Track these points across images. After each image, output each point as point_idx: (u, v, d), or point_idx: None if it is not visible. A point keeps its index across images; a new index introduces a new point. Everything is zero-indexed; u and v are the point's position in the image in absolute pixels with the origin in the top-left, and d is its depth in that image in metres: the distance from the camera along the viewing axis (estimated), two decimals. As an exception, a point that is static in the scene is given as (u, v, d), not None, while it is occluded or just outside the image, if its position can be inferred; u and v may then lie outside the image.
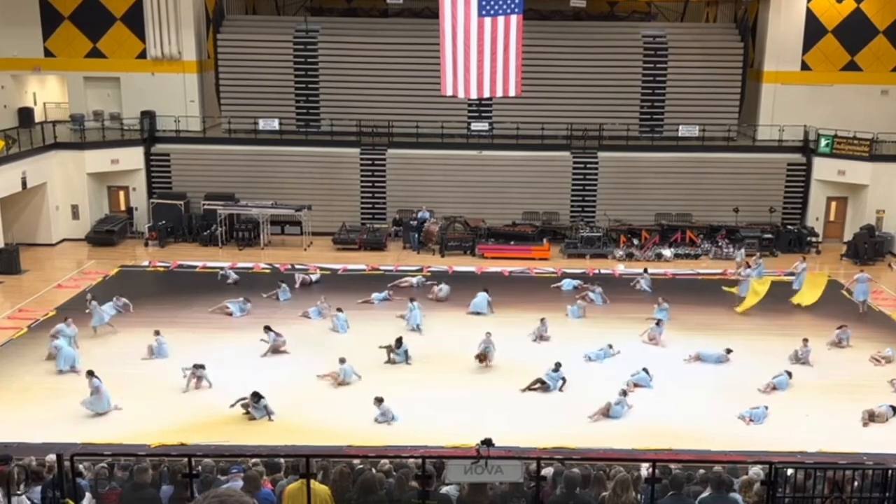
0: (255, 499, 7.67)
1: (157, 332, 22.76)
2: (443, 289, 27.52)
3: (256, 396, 19.12)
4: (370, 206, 35.40)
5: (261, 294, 26.85)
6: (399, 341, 22.51)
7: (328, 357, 22.62)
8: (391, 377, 21.39)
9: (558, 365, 20.96)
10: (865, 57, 36.78)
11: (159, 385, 20.59)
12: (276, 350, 22.77)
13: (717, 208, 34.47)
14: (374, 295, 27.08)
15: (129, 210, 35.14)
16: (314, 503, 9.74)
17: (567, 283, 28.22)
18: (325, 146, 35.30)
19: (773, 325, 25.38)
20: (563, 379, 20.82)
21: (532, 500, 10.17)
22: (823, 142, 34.46)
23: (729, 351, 22.76)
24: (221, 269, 29.43)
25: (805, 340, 22.74)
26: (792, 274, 28.30)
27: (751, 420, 19.17)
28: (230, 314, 25.54)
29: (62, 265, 30.92)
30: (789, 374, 21.16)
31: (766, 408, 19.44)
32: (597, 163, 35.10)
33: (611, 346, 22.92)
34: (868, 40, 36.64)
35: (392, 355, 22.34)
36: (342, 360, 21.27)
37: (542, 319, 24.23)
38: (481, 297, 26.37)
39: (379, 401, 19.07)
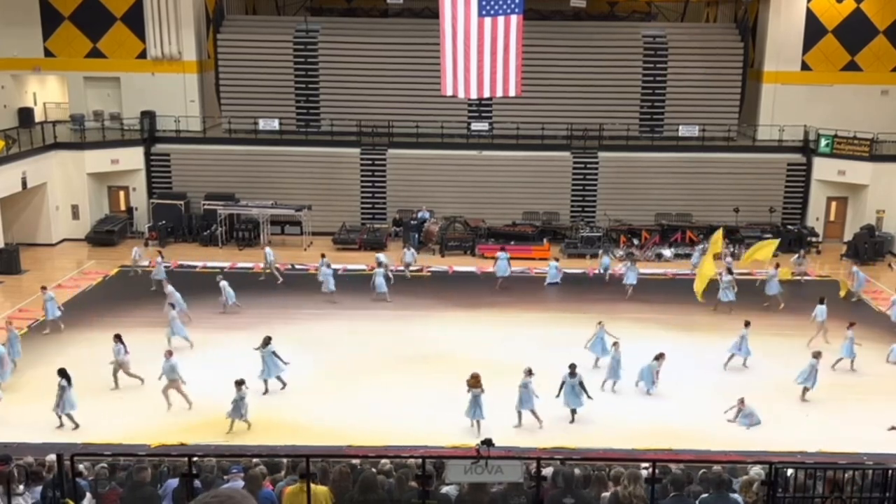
0: (255, 498, 7.65)
1: (43, 288, 23.96)
2: (405, 254, 29.32)
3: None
4: (370, 206, 35.39)
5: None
6: (267, 341, 20.62)
7: (328, 357, 22.67)
8: (391, 378, 21.38)
9: (573, 367, 19.22)
10: (865, 57, 36.78)
11: (159, 385, 20.56)
12: (121, 367, 20.59)
13: (717, 208, 34.46)
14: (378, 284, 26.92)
15: (129, 210, 35.16)
16: (314, 504, 9.73)
17: (553, 273, 28.50)
18: (325, 146, 35.30)
19: (773, 325, 25.37)
20: (581, 384, 19.18)
21: (532, 500, 10.17)
22: (823, 142, 34.46)
23: (747, 324, 22.53)
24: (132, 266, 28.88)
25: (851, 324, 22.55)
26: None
27: (749, 425, 19.15)
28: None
29: (62, 265, 30.92)
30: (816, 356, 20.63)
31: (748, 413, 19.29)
32: (597, 163, 35.10)
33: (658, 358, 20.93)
34: (868, 40, 36.63)
35: (261, 352, 20.59)
36: (168, 354, 19.90)
37: (600, 323, 22.35)
38: (503, 261, 27.74)
39: (239, 384, 18.48)
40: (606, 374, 20.90)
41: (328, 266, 27.18)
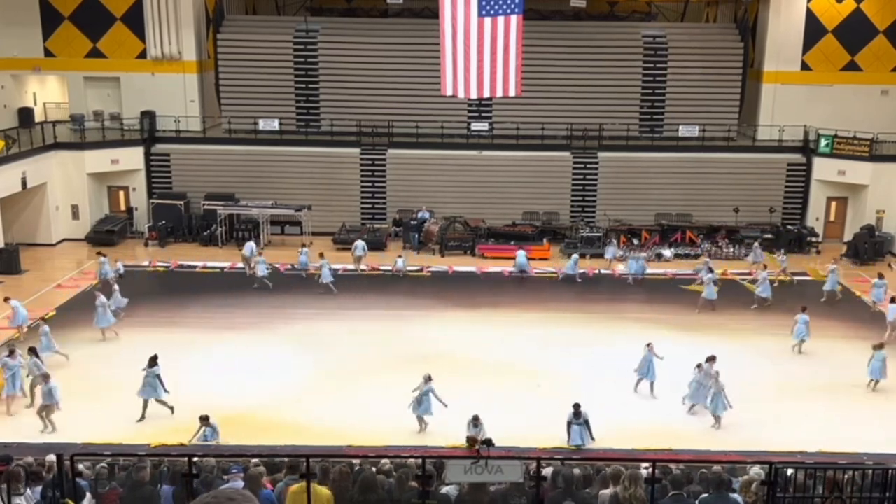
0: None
1: (6, 299, 23.83)
2: (397, 262, 29.85)
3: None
4: (370, 206, 35.39)
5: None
6: (152, 361, 19.11)
7: (328, 357, 22.67)
8: (391, 378, 21.35)
9: (577, 407, 17.89)
10: (865, 57, 36.77)
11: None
12: (41, 380, 19.14)
13: (717, 208, 34.46)
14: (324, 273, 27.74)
15: (129, 210, 35.15)
16: (314, 504, 9.73)
17: (571, 265, 29.31)
18: (325, 146, 35.29)
19: (772, 325, 25.38)
20: (587, 422, 17.92)
21: (532, 500, 10.17)
22: (823, 142, 34.45)
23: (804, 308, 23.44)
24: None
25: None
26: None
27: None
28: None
29: (62, 265, 30.92)
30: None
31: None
32: (597, 163, 35.09)
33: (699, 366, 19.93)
34: (868, 40, 36.63)
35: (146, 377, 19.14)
36: (45, 378, 18.79)
37: (649, 345, 20.59)
38: (521, 257, 29.37)
39: (204, 419, 17.46)
40: (690, 398, 19.69)
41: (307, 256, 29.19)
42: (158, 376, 19.02)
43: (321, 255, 28.31)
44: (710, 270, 26.83)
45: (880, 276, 26.73)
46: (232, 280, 29.30)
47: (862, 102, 36.18)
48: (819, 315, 25.95)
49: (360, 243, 30.08)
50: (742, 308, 26.58)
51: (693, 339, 24.03)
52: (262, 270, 27.95)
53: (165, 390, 19.06)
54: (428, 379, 18.53)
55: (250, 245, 30.00)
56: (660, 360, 20.38)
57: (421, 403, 18.41)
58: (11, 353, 19.82)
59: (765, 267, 27.71)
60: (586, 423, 17.86)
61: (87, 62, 36.68)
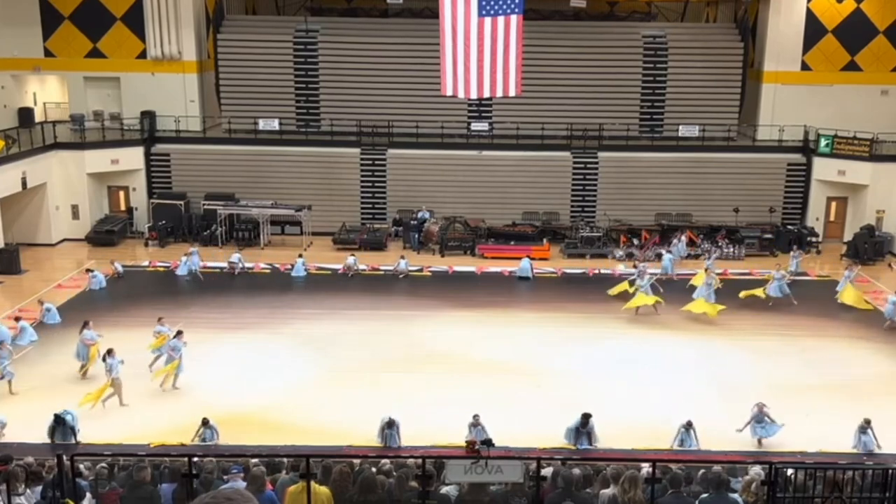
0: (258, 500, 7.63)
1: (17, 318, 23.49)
2: (400, 263, 29.85)
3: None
4: (370, 206, 35.39)
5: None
6: (59, 417, 17.63)
7: (328, 357, 22.68)
8: (391, 378, 21.39)
9: (586, 418, 17.82)
10: (865, 57, 36.76)
11: (156, 385, 20.59)
12: None
13: (717, 208, 34.46)
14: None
15: (129, 210, 35.15)
16: (314, 504, 9.73)
17: (668, 264, 29.48)
18: (325, 146, 35.28)
19: (773, 325, 25.38)
20: (589, 434, 17.84)
21: (532, 500, 10.17)
22: (823, 142, 34.44)
23: None
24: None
25: None
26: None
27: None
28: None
29: (62, 265, 30.92)
30: None
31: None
32: (597, 163, 35.09)
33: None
34: (868, 40, 36.61)
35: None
36: (108, 353, 19.54)
37: (761, 406, 18.36)
38: (525, 262, 29.56)
39: (205, 423, 17.68)
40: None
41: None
42: (72, 428, 17.78)
43: (191, 245, 29.95)
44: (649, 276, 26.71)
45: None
46: (232, 280, 29.31)
47: (862, 102, 36.14)
48: (819, 315, 25.99)
49: (350, 258, 30.12)
50: (741, 308, 26.55)
51: (692, 338, 24.04)
52: (194, 265, 29.20)
53: (75, 436, 17.80)
54: (390, 424, 17.82)
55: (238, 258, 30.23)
56: (771, 423, 18.29)
57: (388, 438, 17.91)
58: (179, 334, 20.86)
59: (706, 269, 27.40)
60: (589, 435, 17.79)
61: (87, 62, 36.67)
